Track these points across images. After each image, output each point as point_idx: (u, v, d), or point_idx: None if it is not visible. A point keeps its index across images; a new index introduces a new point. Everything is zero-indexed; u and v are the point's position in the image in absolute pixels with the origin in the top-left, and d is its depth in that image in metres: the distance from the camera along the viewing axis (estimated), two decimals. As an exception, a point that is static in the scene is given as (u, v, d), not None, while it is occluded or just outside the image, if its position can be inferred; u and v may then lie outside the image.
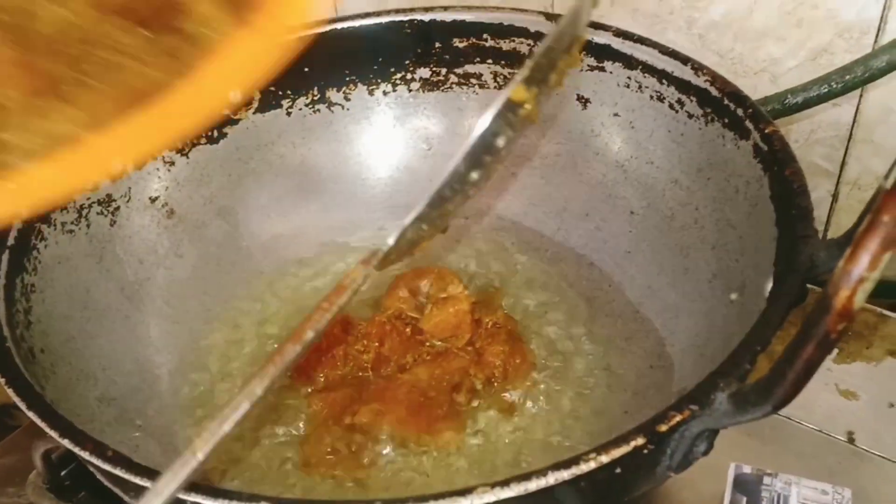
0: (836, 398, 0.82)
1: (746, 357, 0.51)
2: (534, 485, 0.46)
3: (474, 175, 0.52)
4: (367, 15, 0.90)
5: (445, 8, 0.90)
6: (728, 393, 0.49)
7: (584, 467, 0.47)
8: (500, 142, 0.52)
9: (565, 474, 0.46)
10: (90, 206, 0.79)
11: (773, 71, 0.99)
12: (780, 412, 0.79)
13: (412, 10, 0.90)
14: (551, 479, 0.46)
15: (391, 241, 0.52)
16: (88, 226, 0.79)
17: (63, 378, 0.68)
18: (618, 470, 0.49)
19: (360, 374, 0.77)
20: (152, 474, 0.48)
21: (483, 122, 0.50)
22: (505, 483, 0.46)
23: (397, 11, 0.90)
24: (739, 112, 0.72)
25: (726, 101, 0.74)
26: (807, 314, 0.44)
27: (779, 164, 0.66)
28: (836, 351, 0.86)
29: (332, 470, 0.70)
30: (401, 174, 0.95)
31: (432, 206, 0.52)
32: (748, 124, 0.71)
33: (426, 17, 0.90)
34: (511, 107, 0.51)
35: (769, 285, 0.59)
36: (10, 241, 0.68)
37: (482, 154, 0.51)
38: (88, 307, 0.76)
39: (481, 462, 0.72)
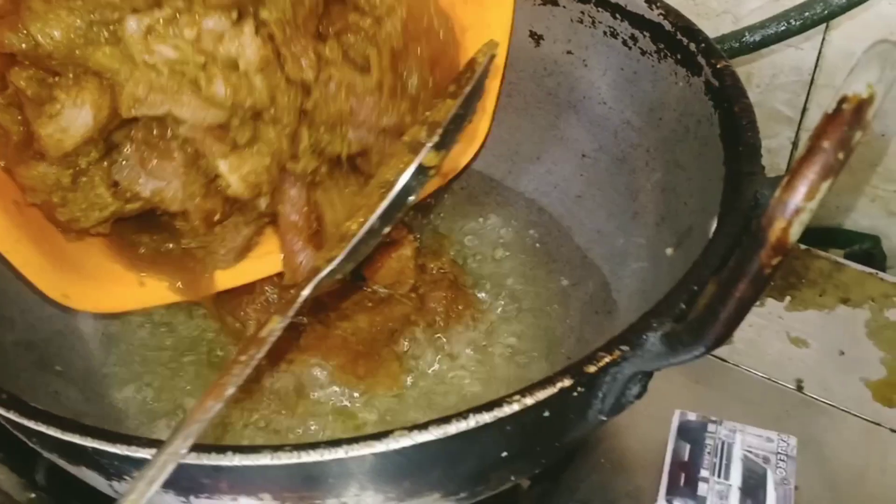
0: (786, 346, 0.81)
1: (681, 297, 0.49)
2: (454, 427, 0.44)
3: (386, 229, 0.58)
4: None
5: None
6: (661, 333, 0.46)
7: (508, 409, 0.44)
8: (411, 200, 0.59)
9: (487, 417, 0.44)
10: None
11: (735, 13, 0.96)
12: (729, 360, 0.80)
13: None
14: (472, 421, 0.44)
15: (306, 292, 0.55)
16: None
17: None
18: (546, 413, 0.47)
19: (297, 318, 0.74)
20: (46, 417, 0.45)
21: (398, 185, 0.58)
22: (423, 426, 0.44)
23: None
24: (692, 47, 0.69)
25: (679, 36, 0.71)
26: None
27: (728, 100, 0.63)
28: (788, 298, 0.85)
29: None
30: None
31: (347, 258, 0.56)
32: (700, 59, 0.68)
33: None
34: (422, 170, 0.59)
35: (713, 226, 0.57)
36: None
37: (394, 211, 0.58)
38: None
39: (420, 409, 0.69)
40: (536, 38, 0.85)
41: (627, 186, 0.79)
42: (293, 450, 0.43)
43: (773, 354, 0.80)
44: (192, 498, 0.48)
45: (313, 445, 0.43)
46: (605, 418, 0.51)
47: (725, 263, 0.52)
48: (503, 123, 0.88)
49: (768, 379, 0.78)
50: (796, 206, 0.38)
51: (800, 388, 0.77)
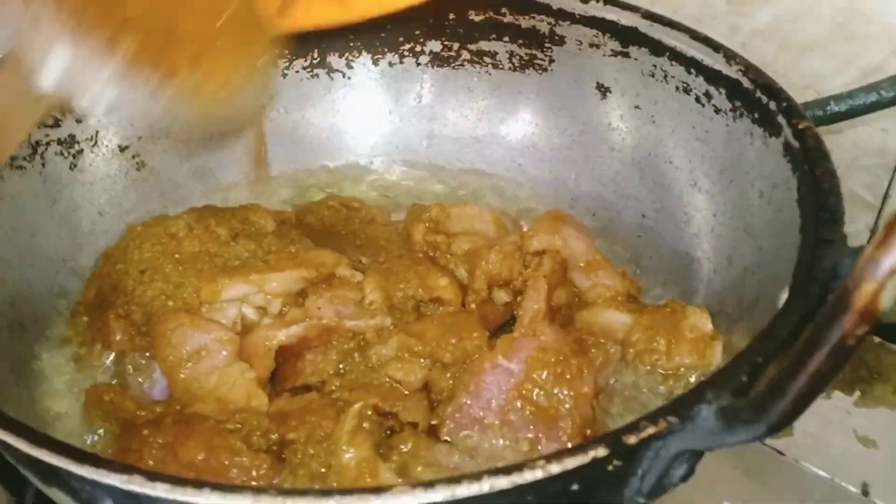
0: (852, 444, 0.73)
1: (742, 368, 0.42)
2: (464, 490, 0.38)
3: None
4: (378, -24, 0.83)
5: (463, -24, 0.83)
6: (717, 406, 0.40)
7: (529, 476, 0.38)
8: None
9: (504, 482, 0.38)
10: (48, 143, 0.72)
11: (818, 88, 0.89)
12: (787, 454, 0.72)
13: (427, -26, 0.83)
14: (486, 485, 0.38)
15: None
16: (44, 165, 0.72)
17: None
18: (574, 486, 0.41)
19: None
20: None
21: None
22: (429, 484, 0.38)
23: (410, -25, 0.83)
24: (772, 105, 0.64)
25: (758, 94, 0.65)
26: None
27: (810, 162, 0.57)
28: (857, 393, 0.77)
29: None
30: (396, 159, 0.87)
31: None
32: (780, 119, 0.62)
33: (441, -17, 0.83)
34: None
35: (783, 297, 0.51)
36: (-59, 165, 0.62)
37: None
38: (31, 252, 0.69)
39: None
40: (603, 90, 0.80)
41: (689, 252, 0.73)
42: (278, 496, 0.37)
43: (838, 453, 0.72)
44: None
45: (301, 492, 0.37)
46: (642, 501, 0.45)
47: (796, 338, 0.46)
48: (559, 176, 0.83)
49: (830, 479, 0.70)
50: (891, 267, 0.32)
51: (865, 493, 0.69)
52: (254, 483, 0.53)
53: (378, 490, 0.38)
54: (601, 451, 0.39)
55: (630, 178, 0.79)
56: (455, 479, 0.38)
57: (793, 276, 0.52)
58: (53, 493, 0.47)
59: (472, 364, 0.60)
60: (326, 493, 0.37)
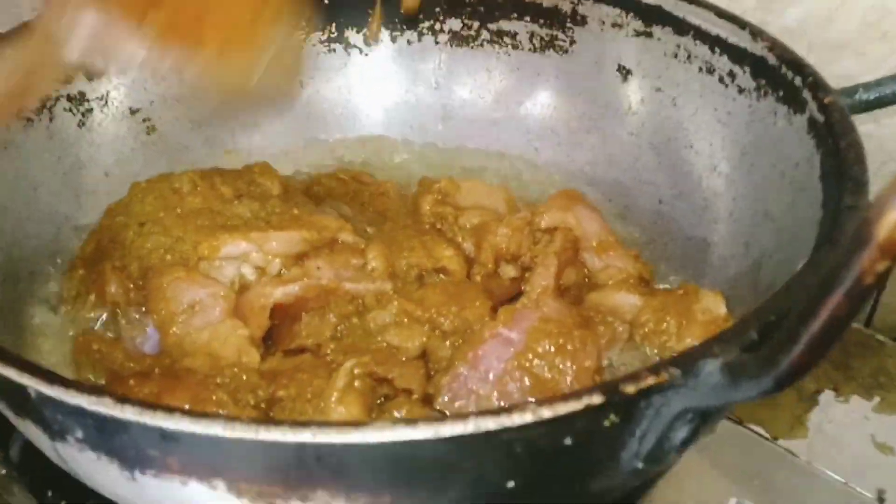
0: (869, 450, 0.69)
1: (754, 324, 0.39)
2: (448, 429, 0.35)
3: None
4: (400, -49, 0.82)
5: (486, -49, 0.81)
6: (723, 361, 0.37)
7: (517, 418, 0.36)
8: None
9: (491, 422, 0.35)
10: (57, 99, 0.72)
11: (848, 87, 0.87)
12: (801, 456, 0.69)
13: (449, -51, 0.82)
14: (471, 425, 0.35)
15: None
16: (51, 120, 0.71)
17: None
18: (567, 440, 0.38)
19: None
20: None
21: None
22: (412, 422, 0.35)
23: (433, -50, 0.82)
24: (797, 81, 0.62)
25: (784, 70, 0.63)
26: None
27: (834, 136, 0.55)
28: (876, 398, 0.74)
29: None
30: (410, 138, 0.86)
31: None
32: (805, 94, 0.60)
33: (462, -41, 0.81)
34: None
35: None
36: (-57, 105, 0.61)
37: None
38: (31, 205, 0.68)
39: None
40: (625, 72, 0.78)
41: (706, 238, 0.70)
42: (252, 424, 0.35)
43: (854, 458, 0.69)
44: (136, 473, 0.41)
45: (276, 423, 0.35)
46: (641, 466, 0.42)
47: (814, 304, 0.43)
48: (577, 159, 0.81)
49: (844, 484, 0.67)
50: (918, 197, 0.30)
51: (881, 500, 0.65)
52: None
53: (359, 424, 0.35)
54: (596, 399, 0.37)
55: (648, 163, 0.77)
56: (439, 418, 0.36)
57: (815, 244, 0.49)
58: (27, 427, 0.45)
59: (472, 334, 0.58)
60: (303, 424, 0.35)
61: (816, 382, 0.74)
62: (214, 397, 0.53)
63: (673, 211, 0.74)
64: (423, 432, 0.35)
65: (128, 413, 0.36)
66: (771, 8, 0.87)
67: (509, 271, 0.67)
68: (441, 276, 0.65)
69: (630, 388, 0.37)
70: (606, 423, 0.39)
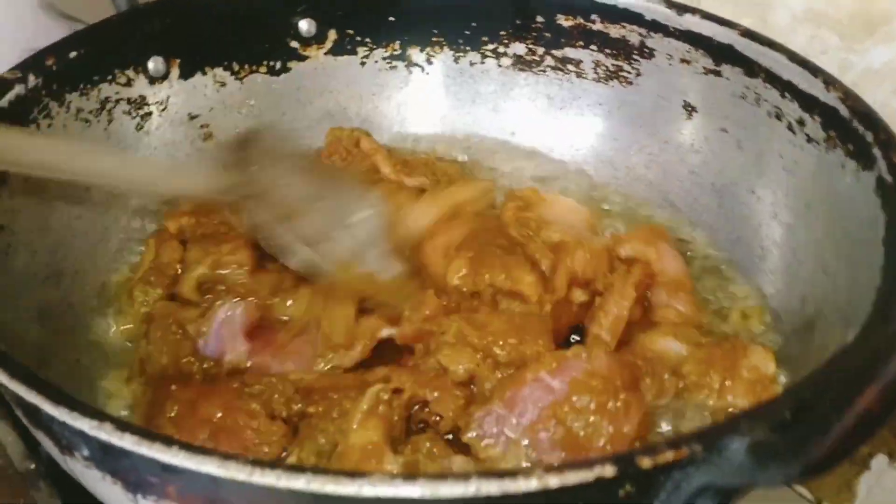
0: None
1: (788, 402, 0.37)
2: (447, 489, 0.34)
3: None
4: (470, -27, 0.81)
5: (558, -22, 0.79)
6: (750, 440, 0.35)
7: (523, 485, 0.34)
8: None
9: (493, 487, 0.34)
10: (117, 101, 0.72)
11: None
12: None
13: (520, -25, 0.80)
14: (472, 486, 0.34)
15: None
16: (110, 121, 0.72)
17: (17, 266, 0.60)
18: (576, 508, 0.36)
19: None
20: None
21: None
22: (410, 477, 0.34)
23: (503, -26, 0.80)
24: (868, 137, 0.58)
25: (855, 123, 0.60)
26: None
27: (903, 199, 0.52)
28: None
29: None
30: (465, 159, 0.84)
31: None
32: (875, 151, 0.57)
33: (533, -16, 0.80)
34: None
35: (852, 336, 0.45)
36: (3, 103, 0.62)
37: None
38: (83, 204, 0.68)
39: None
40: (689, 109, 0.75)
41: (761, 289, 0.67)
42: (245, 464, 0.34)
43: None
44: (139, 496, 0.40)
45: (271, 465, 0.34)
46: (656, 540, 0.39)
47: (859, 384, 0.40)
48: (633, 196, 0.78)
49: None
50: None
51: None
52: (265, 449, 0.53)
53: (354, 475, 0.34)
54: (608, 470, 0.34)
55: (707, 205, 0.74)
56: (440, 476, 0.34)
57: (867, 316, 0.46)
58: (40, 436, 0.45)
59: (517, 372, 0.56)
60: (298, 469, 0.34)
61: (870, 446, 0.69)
62: (247, 407, 0.54)
63: (730, 258, 0.71)
64: (421, 490, 0.34)
65: (126, 442, 0.35)
66: (855, 48, 0.83)
67: (579, 296, 0.65)
68: (516, 300, 0.63)
69: (646, 463, 0.35)
70: (621, 493, 0.36)
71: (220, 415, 0.54)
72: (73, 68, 0.68)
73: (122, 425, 0.36)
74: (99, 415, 0.37)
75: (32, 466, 0.65)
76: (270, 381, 0.56)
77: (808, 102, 0.65)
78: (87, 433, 0.37)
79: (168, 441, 0.35)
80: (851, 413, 0.30)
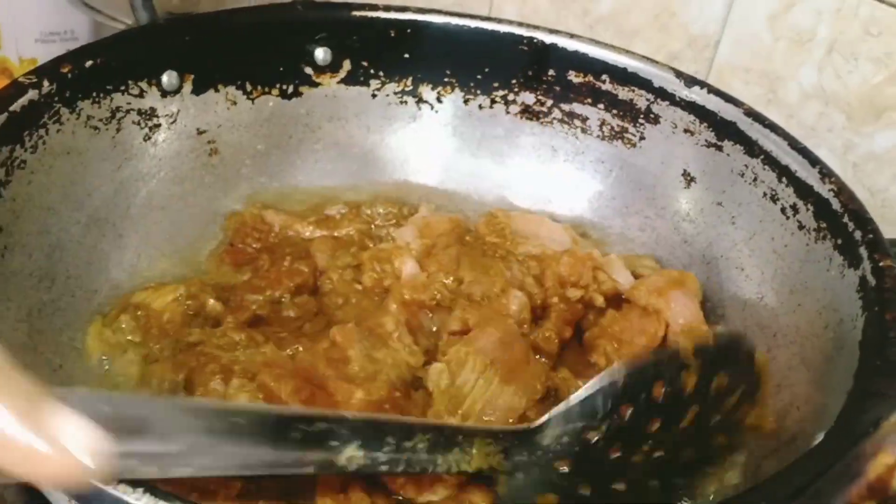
0: None
1: (741, 509, 0.38)
2: None
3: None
4: (488, 19, 0.82)
5: (572, 35, 0.80)
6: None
7: None
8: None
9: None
10: (128, 111, 0.73)
11: (929, 228, 0.83)
12: None
13: (536, 27, 0.81)
14: None
15: None
16: (118, 131, 0.73)
17: (12, 267, 0.61)
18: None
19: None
20: None
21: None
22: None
23: (520, 24, 0.82)
24: (857, 234, 0.59)
25: (846, 219, 0.61)
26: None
27: (882, 304, 0.52)
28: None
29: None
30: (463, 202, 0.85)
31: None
32: (862, 251, 0.58)
33: (548, 38, 0.81)
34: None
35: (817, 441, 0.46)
36: (15, 108, 0.63)
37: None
38: (83, 210, 0.69)
39: None
40: (689, 179, 0.77)
41: (738, 369, 0.68)
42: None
43: None
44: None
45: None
46: None
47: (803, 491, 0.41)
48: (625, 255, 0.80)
49: None
50: (918, 445, 0.28)
51: None
52: None
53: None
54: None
55: (697, 274, 0.74)
56: None
57: (834, 422, 0.47)
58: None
59: None
60: None
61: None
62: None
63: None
64: None
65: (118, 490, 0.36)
66: (861, 130, 0.84)
67: (574, 293, 0.69)
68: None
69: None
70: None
71: None
72: (88, 77, 0.69)
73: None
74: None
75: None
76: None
77: (803, 190, 0.66)
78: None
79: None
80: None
